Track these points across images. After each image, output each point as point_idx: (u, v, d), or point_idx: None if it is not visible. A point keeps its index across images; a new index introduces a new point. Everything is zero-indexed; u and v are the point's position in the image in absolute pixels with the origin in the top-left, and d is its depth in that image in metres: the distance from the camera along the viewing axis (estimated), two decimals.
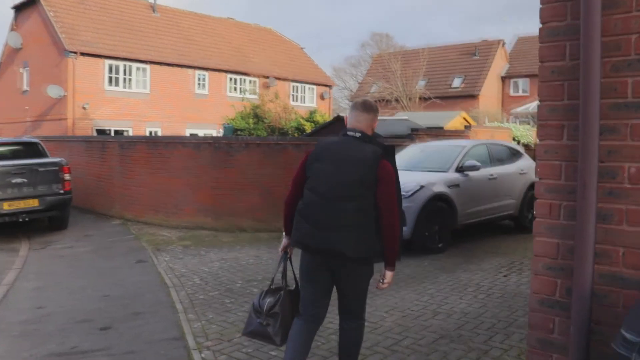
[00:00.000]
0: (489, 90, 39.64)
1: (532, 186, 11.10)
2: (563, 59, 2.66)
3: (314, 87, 33.30)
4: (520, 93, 40.94)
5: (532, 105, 36.45)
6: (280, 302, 3.59)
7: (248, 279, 7.15)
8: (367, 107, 3.58)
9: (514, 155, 11.16)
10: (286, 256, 3.76)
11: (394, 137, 12.89)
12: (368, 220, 3.35)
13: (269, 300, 3.62)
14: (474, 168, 9.63)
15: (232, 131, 19.80)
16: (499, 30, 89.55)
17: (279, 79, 30.47)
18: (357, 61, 58.88)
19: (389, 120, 16.18)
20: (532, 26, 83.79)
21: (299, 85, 32.28)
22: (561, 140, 2.69)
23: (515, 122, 26.60)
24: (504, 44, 41.88)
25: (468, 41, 43.44)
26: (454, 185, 9.35)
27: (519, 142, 19.11)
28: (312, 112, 20.62)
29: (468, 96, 38.62)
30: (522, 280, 7.01)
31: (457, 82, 40.57)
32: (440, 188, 9.08)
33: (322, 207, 3.36)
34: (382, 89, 38.85)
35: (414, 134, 13.12)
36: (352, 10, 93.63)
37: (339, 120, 14.36)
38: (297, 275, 3.69)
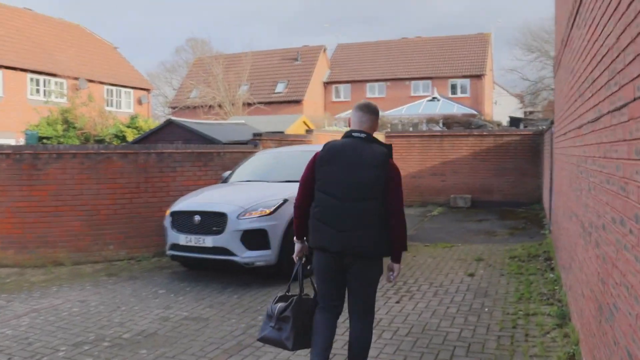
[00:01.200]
0: (313, 96, 39.74)
1: None
2: None
3: (131, 90, 30.45)
4: (342, 99, 41.68)
5: None
6: (292, 307, 3.64)
7: (75, 340, 5.15)
8: (371, 109, 3.76)
9: None
10: (301, 263, 3.85)
11: (235, 143, 11.42)
12: (380, 219, 3.52)
13: (280, 305, 3.68)
14: None
15: (36, 140, 16.73)
16: (319, 40, 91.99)
17: (91, 81, 27.23)
18: (172, 66, 55.98)
19: (227, 125, 14.59)
20: (351, 36, 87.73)
21: (114, 88, 29.24)
22: None
23: (343, 127, 26.50)
24: (325, 49, 42.34)
25: (290, 47, 43.29)
26: None
27: None
28: (134, 117, 18.23)
29: (292, 101, 38.31)
30: (419, 307, 5.97)
31: (280, 87, 40.08)
32: None
33: (338, 208, 3.50)
34: (204, 94, 36.95)
35: (257, 140, 11.77)
36: (169, 16, 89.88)
37: (171, 125, 12.47)
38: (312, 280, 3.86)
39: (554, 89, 9.84)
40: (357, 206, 3.47)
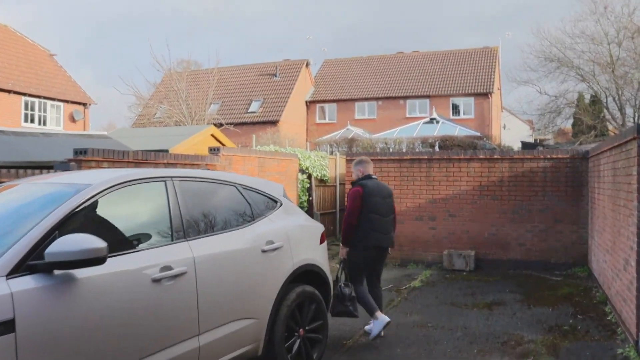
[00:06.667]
0: (292, 116, 34.25)
1: (297, 277, 4.73)
2: None
3: (61, 104, 24.99)
4: (327, 120, 36.19)
5: (340, 134, 31.70)
6: (353, 290, 6.00)
7: None
8: (369, 161, 6.51)
9: (252, 205, 4.66)
10: (343, 261, 6.16)
11: (25, 167, 5.84)
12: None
13: (347, 290, 5.93)
14: (83, 258, 2.90)
15: None
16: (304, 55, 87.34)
17: (5, 90, 21.92)
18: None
19: (56, 137, 8.97)
20: (339, 49, 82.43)
21: (36, 100, 23.79)
22: None
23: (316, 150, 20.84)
24: (308, 64, 36.94)
25: (268, 61, 38.00)
26: None
27: (310, 176, 13.03)
28: None
29: (268, 122, 32.81)
30: None
31: (255, 106, 34.61)
32: None
33: (383, 222, 6.11)
34: (166, 112, 31.57)
35: (78, 160, 6.29)
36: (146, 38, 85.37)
37: None
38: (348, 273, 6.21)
39: None
40: (389, 219, 6.18)
